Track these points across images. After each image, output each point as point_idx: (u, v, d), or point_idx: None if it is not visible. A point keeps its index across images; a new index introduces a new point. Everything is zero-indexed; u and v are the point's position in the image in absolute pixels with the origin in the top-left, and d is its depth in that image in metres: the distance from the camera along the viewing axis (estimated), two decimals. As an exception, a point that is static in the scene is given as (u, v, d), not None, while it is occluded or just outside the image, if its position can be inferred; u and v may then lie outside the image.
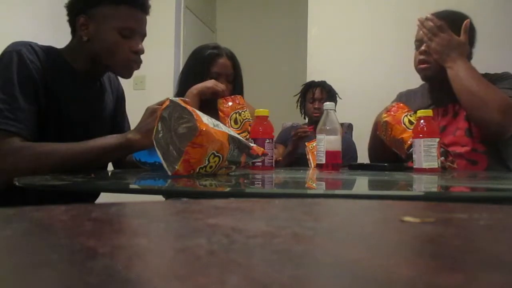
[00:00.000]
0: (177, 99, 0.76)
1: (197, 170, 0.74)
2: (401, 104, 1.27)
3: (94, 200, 1.17)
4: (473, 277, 0.15)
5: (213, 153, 0.74)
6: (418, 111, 1.11)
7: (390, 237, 0.24)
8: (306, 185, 0.79)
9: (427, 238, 0.24)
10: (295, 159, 1.88)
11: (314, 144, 1.33)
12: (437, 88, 1.37)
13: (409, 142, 1.14)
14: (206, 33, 3.90)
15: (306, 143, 1.61)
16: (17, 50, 0.95)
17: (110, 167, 1.18)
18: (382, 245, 0.22)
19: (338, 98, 2.11)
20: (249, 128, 1.20)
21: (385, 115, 1.25)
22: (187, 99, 0.91)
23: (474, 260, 0.18)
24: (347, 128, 2.23)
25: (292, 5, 3.92)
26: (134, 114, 1.19)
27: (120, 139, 0.93)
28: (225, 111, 1.28)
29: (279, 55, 4.04)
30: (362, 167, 1.22)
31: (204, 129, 0.71)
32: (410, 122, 1.18)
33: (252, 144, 0.87)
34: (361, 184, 0.79)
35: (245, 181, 0.77)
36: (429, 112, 1.09)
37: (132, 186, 0.75)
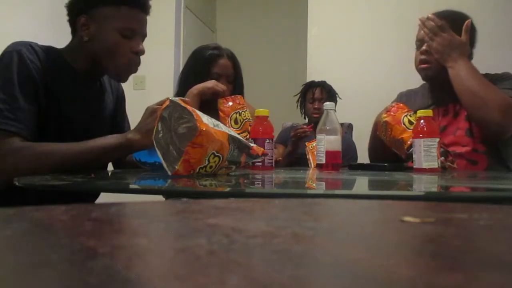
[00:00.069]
0: (177, 99, 0.76)
1: (197, 170, 0.74)
2: (401, 104, 1.27)
3: (94, 200, 1.17)
4: (473, 277, 0.15)
5: (213, 153, 0.74)
6: (418, 111, 1.11)
7: (390, 237, 0.24)
8: (306, 185, 0.79)
9: (427, 238, 0.24)
10: (295, 159, 1.88)
11: (314, 144, 1.33)
12: (437, 88, 1.37)
13: (409, 142, 1.14)
14: (206, 33, 3.90)
15: (306, 143, 1.61)
16: (17, 50, 0.95)
17: (110, 167, 1.18)
18: (382, 245, 0.22)
19: (338, 98, 2.10)
20: (249, 128, 1.20)
21: (385, 115, 1.25)
22: (187, 99, 0.91)
23: (474, 260, 0.18)
24: (347, 128, 2.23)
25: (292, 5, 3.92)
26: (134, 114, 1.19)
27: (120, 139, 0.93)
28: (225, 111, 1.28)
29: (279, 55, 4.04)
30: (362, 167, 1.22)
31: (204, 129, 0.71)
32: (410, 122, 1.18)
33: (252, 144, 0.87)
34: (361, 184, 0.79)
35: (245, 181, 0.77)
36: (429, 112, 1.09)
37: (132, 186, 0.75)
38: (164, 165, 0.73)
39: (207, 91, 1.30)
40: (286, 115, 2.50)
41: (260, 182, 0.76)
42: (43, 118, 0.97)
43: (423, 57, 1.32)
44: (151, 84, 3.00)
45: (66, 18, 1.07)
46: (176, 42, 3.08)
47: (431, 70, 1.31)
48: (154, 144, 0.76)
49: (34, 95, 0.95)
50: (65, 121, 1.01)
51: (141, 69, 1.13)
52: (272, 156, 1.09)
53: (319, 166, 1.10)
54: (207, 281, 0.14)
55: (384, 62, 2.61)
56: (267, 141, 1.07)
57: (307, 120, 2.18)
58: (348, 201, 0.41)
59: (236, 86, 1.45)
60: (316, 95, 2.09)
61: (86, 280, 0.15)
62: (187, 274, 0.15)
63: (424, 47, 1.31)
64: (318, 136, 1.11)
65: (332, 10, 2.81)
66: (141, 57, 1.09)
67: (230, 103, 1.29)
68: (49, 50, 1.02)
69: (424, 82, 1.42)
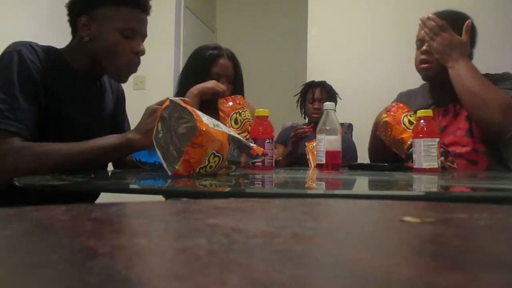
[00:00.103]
0: (177, 99, 0.76)
1: (197, 170, 0.74)
2: (401, 104, 1.27)
3: (94, 200, 1.17)
4: (473, 277, 0.15)
5: (213, 153, 0.74)
6: (418, 111, 1.11)
7: (390, 237, 0.24)
8: (306, 185, 0.79)
9: (427, 238, 0.24)
10: (295, 159, 1.88)
11: (314, 144, 1.33)
12: (437, 88, 1.37)
13: (409, 142, 1.14)
14: (206, 33, 3.90)
15: (306, 143, 1.61)
16: (18, 50, 0.95)
17: (110, 167, 1.18)
18: (382, 245, 0.22)
19: (338, 98, 2.10)
20: (249, 128, 1.20)
21: (385, 115, 1.25)
22: (187, 99, 0.91)
23: (474, 260, 0.18)
24: (347, 128, 2.23)
25: (292, 5, 3.93)
26: (134, 114, 1.19)
27: (120, 139, 0.93)
28: (225, 111, 1.28)
29: (279, 55, 4.04)
30: (362, 167, 1.22)
31: (204, 129, 0.71)
32: (410, 122, 1.18)
33: (252, 144, 0.87)
34: (361, 184, 0.79)
35: (245, 181, 0.77)
36: (429, 112, 1.09)
37: (132, 186, 0.75)
38: (164, 165, 0.73)
39: (207, 91, 1.30)
40: (286, 115, 2.50)
41: (260, 182, 0.76)
42: (43, 118, 0.97)
43: (423, 57, 1.32)
44: (151, 84, 3.00)
45: (66, 18, 1.07)
46: (176, 42, 3.08)
47: (432, 70, 1.31)
48: (154, 144, 0.76)
49: (34, 95, 0.95)
50: (65, 121, 1.01)
51: (141, 69, 1.13)
52: (272, 156, 1.09)
53: (319, 166, 1.10)
54: (207, 281, 0.14)
55: (384, 62, 2.61)
56: (267, 141, 1.07)
57: (307, 120, 2.18)
58: (348, 201, 0.41)
59: (236, 86, 1.45)
60: (316, 95, 2.09)
61: (86, 280, 0.15)
62: (187, 274, 0.15)
63: (424, 47, 1.31)
64: (318, 136, 1.11)
65: (332, 10, 2.81)
66: (141, 57, 1.09)
67: (230, 103, 1.29)
68: (49, 50, 1.02)
69: (424, 82, 1.42)
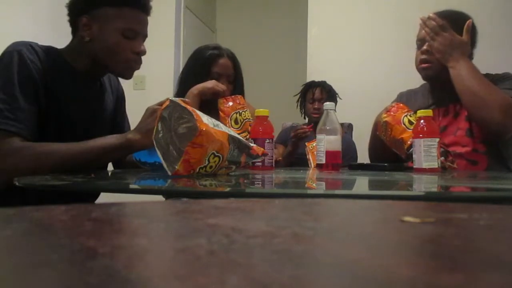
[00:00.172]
0: (177, 99, 0.76)
1: (197, 170, 0.74)
2: (401, 104, 1.27)
3: (94, 200, 1.17)
4: (473, 277, 0.15)
5: (213, 153, 0.74)
6: (418, 111, 1.11)
7: (390, 237, 0.24)
8: (306, 185, 0.79)
9: (427, 238, 0.24)
10: (295, 159, 1.88)
11: (314, 144, 1.33)
12: (438, 88, 1.37)
13: (409, 142, 1.14)
14: (206, 33, 3.90)
15: (306, 143, 1.61)
16: (18, 50, 0.95)
17: (110, 167, 1.18)
18: (382, 245, 0.22)
19: (338, 98, 2.10)
20: (249, 128, 1.20)
21: (385, 115, 1.25)
22: (187, 99, 0.91)
23: (474, 260, 0.18)
24: (347, 128, 2.23)
25: (292, 5, 3.93)
26: (134, 114, 1.19)
27: (120, 139, 0.93)
28: (225, 111, 1.28)
29: (279, 55, 4.04)
30: (362, 167, 1.22)
31: (204, 129, 0.71)
32: (410, 122, 1.18)
33: (252, 144, 0.87)
34: (361, 184, 0.79)
35: (245, 181, 0.77)
36: (429, 112, 1.09)
37: (132, 186, 0.75)
38: (164, 165, 0.73)
39: (207, 91, 1.30)
40: (286, 115, 2.50)
41: (260, 182, 0.76)
42: (43, 118, 0.97)
43: (424, 56, 1.32)
44: (151, 84, 3.00)
45: (66, 18, 1.07)
46: (176, 42, 3.08)
47: (432, 70, 1.31)
48: (154, 144, 0.76)
49: (34, 95, 0.95)
50: (65, 121, 1.01)
51: (141, 69, 1.13)
52: (272, 156, 1.09)
53: (319, 166, 1.10)
54: (207, 281, 0.14)
55: (384, 62, 2.61)
56: (267, 141, 1.07)
57: (307, 120, 2.18)
58: (348, 201, 0.41)
59: (236, 86, 1.45)
60: (316, 95, 2.09)
61: (86, 280, 0.15)
62: (187, 274, 0.15)
63: (425, 47, 1.31)
64: (318, 136, 1.11)
65: (332, 10, 2.81)
66: (141, 57, 1.09)
67: (230, 103, 1.29)
68: (49, 50, 1.02)
69: (424, 82, 1.42)
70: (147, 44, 1.10)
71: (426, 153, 1.02)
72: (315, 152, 1.19)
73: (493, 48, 2.22)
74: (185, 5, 3.23)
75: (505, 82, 1.26)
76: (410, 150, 1.10)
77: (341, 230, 0.26)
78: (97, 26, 1.02)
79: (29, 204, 0.32)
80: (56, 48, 1.06)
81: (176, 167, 0.72)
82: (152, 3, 1.10)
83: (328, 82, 2.14)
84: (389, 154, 1.30)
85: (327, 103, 1.15)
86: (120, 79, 1.18)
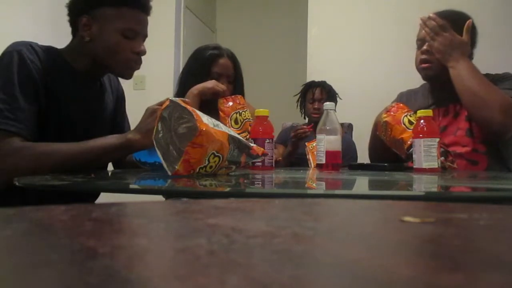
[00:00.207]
0: (177, 99, 0.76)
1: (197, 170, 0.74)
2: (401, 104, 1.27)
3: (94, 200, 1.17)
4: (473, 277, 0.15)
5: (213, 153, 0.74)
6: (418, 111, 1.11)
7: (390, 237, 0.24)
8: (306, 185, 0.79)
9: (427, 238, 0.24)
10: (295, 159, 1.88)
11: (314, 144, 1.33)
12: (438, 88, 1.37)
13: (409, 142, 1.14)
14: (206, 33, 3.90)
15: (306, 143, 1.61)
16: (18, 50, 0.95)
17: (110, 167, 1.18)
18: (382, 245, 0.22)
19: (338, 98, 2.10)
20: (249, 128, 1.20)
21: (385, 115, 1.25)
22: (187, 99, 0.91)
23: (474, 260, 0.18)
24: (347, 128, 2.23)
25: (292, 5, 3.93)
26: (134, 114, 1.19)
27: (120, 139, 0.93)
28: (225, 111, 1.28)
29: (279, 55, 4.04)
30: (362, 167, 1.22)
31: (204, 129, 0.71)
32: (410, 122, 1.18)
33: (252, 144, 0.87)
34: (361, 184, 0.79)
35: (245, 181, 0.77)
36: (429, 112, 1.09)
37: (132, 186, 0.75)
38: (164, 165, 0.73)
39: (207, 91, 1.30)
40: (286, 115, 2.50)
41: (260, 182, 0.76)
42: (43, 118, 0.97)
43: (424, 56, 1.32)
44: (151, 84, 3.00)
45: (66, 18, 1.07)
46: (176, 42, 3.08)
47: (432, 70, 1.31)
48: (154, 144, 0.76)
49: (34, 95, 0.95)
50: (65, 121, 1.01)
51: (141, 69, 1.13)
52: (272, 156, 1.09)
53: (319, 166, 1.10)
54: (207, 281, 0.14)
55: (384, 62, 2.61)
56: (267, 141, 1.07)
57: (307, 120, 2.18)
58: (348, 201, 0.41)
59: (236, 86, 1.45)
60: (316, 95, 2.09)
61: (86, 280, 0.15)
62: (187, 274, 0.15)
63: (425, 47, 1.31)
64: (318, 136, 1.11)
65: (332, 10, 2.81)
66: (141, 57, 1.09)
67: (230, 103, 1.29)
68: (49, 50, 1.02)
69: (424, 82, 1.42)
70: (147, 44, 1.10)
71: (426, 153, 1.02)
72: (315, 152, 1.19)
73: (493, 48, 2.22)
74: (185, 5, 3.23)
75: (505, 82, 1.26)
76: (410, 150, 1.10)
77: (341, 230, 0.26)
78: (97, 26, 1.02)
79: (29, 204, 0.32)
80: (56, 48, 1.06)
81: (176, 167, 0.72)
82: (152, 3, 1.10)
83: (328, 82, 2.14)
84: (389, 154, 1.30)
85: (327, 103, 1.15)
86: (120, 79, 1.18)
